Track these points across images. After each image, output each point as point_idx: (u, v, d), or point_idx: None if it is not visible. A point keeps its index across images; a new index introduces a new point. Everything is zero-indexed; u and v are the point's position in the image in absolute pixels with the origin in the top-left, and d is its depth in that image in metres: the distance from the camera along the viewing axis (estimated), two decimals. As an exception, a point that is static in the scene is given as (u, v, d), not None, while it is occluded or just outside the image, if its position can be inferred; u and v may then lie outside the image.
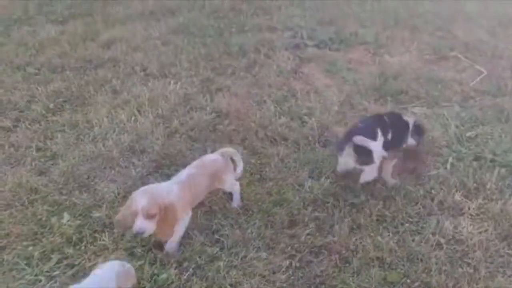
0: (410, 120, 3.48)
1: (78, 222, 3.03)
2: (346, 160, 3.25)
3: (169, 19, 5.97)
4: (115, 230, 2.96)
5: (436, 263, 2.72)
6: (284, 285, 2.63)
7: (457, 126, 3.95)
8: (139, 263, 2.73)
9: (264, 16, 6.08)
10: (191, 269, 2.71)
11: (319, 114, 4.12)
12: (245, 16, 6.04)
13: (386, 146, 3.21)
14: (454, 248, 2.84)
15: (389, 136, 3.24)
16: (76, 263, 2.75)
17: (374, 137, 3.16)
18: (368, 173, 3.26)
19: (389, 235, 2.93)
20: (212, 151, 3.61)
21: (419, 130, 3.50)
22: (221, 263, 2.73)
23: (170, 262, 2.74)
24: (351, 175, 3.34)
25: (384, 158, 3.23)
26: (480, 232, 2.94)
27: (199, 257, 2.77)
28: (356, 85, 4.59)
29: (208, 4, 6.37)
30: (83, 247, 2.86)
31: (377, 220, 3.05)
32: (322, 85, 4.64)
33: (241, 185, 3.28)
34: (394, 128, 3.31)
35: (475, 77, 4.76)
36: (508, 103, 4.20)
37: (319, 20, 5.97)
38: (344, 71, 4.89)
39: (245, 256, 2.78)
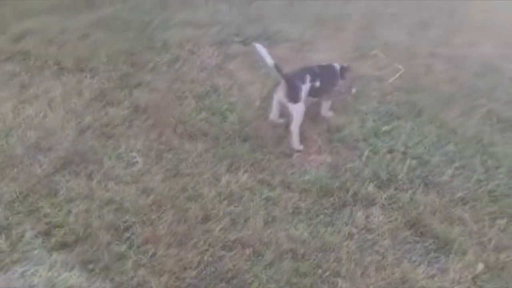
0: (337, 65, 4.01)
1: (-30, 224, 2.77)
2: (279, 95, 3.69)
3: (90, 13, 5.68)
4: (13, 232, 2.74)
5: (347, 252, 2.75)
6: (195, 281, 2.55)
7: (374, 121, 4.06)
8: (36, 267, 2.53)
9: (190, 11, 5.94)
10: (96, 270, 2.56)
11: (241, 109, 4.07)
12: (171, 11, 5.88)
13: (316, 91, 3.74)
14: (365, 237, 2.88)
15: (318, 83, 3.72)
16: (-35, 269, 2.50)
17: (303, 81, 3.65)
18: (296, 118, 3.61)
19: (303, 227, 2.92)
20: (126, 148, 3.49)
21: (346, 70, 4.03)
22: (129, 262, 2.61)
23: (73, 264, 2.57)
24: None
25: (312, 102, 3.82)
26: (391, 221, 3.01)
27: (104, 256, 2.62)
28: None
29: (132, -2, 6.14)
30: (-26, 251, 2.61)
31: (293, 212, 3.05)
32: (246, 81, 4.59)
33: (156, 181, 3.17)
34: (323, 74, 3.80)
35: (393, 75, 4.93)
36: (420, 99, 4.38)
37: (246, 16, 5.93)
38: (268, 68, 4.87)
39: (155, 254, 2.67)
